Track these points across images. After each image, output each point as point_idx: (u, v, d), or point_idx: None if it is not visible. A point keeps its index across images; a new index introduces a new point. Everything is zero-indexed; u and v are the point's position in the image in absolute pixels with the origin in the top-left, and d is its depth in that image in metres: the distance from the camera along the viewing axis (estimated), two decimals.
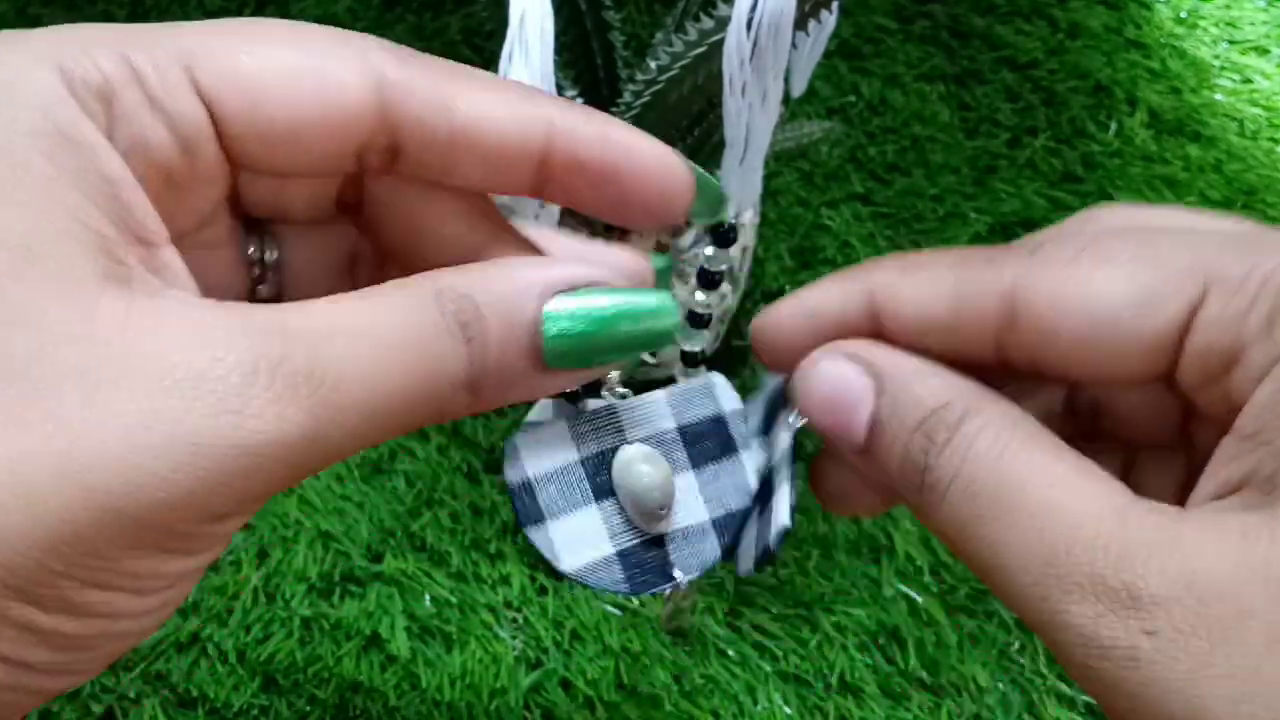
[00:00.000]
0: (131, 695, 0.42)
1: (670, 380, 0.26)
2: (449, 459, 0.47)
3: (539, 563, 0.45)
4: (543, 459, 0.24)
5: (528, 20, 0.32)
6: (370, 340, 0.18)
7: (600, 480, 0.24)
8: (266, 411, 0.17)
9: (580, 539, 0.24)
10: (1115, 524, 0.18)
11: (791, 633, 0.44)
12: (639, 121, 0.38)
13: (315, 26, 0.20)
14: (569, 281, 0.21)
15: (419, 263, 0.22)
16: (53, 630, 0.17)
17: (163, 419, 0.17)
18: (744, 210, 0.43)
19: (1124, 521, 0.18)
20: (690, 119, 0.41)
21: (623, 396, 0.25)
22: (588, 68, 0.42)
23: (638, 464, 0.24)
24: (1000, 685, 0.43)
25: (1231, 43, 0.64)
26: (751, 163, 0.34)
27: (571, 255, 0.23)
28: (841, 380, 0.22)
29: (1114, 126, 0.60)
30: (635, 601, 0.45)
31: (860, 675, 0.43)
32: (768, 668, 0.43)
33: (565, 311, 0.20)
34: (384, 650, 0.43)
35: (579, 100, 0.44)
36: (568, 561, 0.24)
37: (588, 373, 0.22)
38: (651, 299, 0.21)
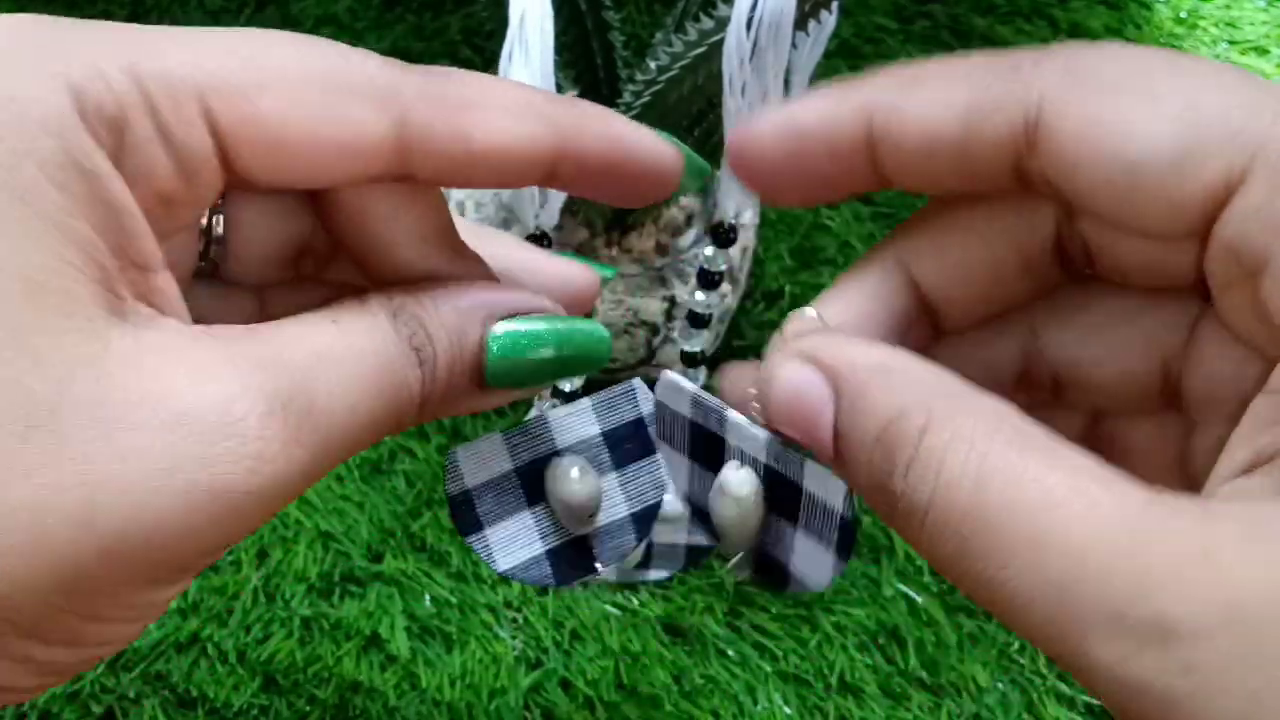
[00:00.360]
0: (131, 695, 0.42)
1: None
2: None
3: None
4: (479, 471, 0.26)
5: (528, 20, 0.32)
6: (349, 368, 0.19)
7: (533, 488, 0.26)
8: (279, 457, 0.18)
9: (513, 541, 0.26)
10: (1130, 543, 0.15)
11: (791, 633, 0.44)
12: (639, 121, 0.38)
13: (340, 53, 0.20)
14: (511, 309, 0.22)
15: (371, 265, 0.22)
16: (48, 661, 0.18)
17: (185, 464, 0.17)
18: (744, 210, 0.43)
19: (1140, 538, 0.15)
20: (690, 119, 0.41)
21: (553, 406, 0.26)
22: (588, 68, 0.42)
23: (569, 477, 0.26)
24: (1000, 685, 0.43)
25: (1231, 43, 0.64)
26: None
27: (525, 270, 0.24)
28: (799, 389, 0.20)
29: None
30: (635, 601, 0.45)
31: (860, 675, 0.43)
32: (768, 668, 0.43)
33: (507, 338, 0.22)
34: (384, 650, 0.43)
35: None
36: (502, 562, 0.26)
37: (524, 392, 0.23)
38: (587, 328, 0.23)
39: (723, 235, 0.38)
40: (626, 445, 0.26)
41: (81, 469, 0.16)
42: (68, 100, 0.17)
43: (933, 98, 0.19)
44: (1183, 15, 0.65)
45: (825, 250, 0.54)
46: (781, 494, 0.24)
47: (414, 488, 0.46)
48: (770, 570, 0.25)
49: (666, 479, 0.26)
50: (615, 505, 0.27)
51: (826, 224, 0.55)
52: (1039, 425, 0.17)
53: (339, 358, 0.19)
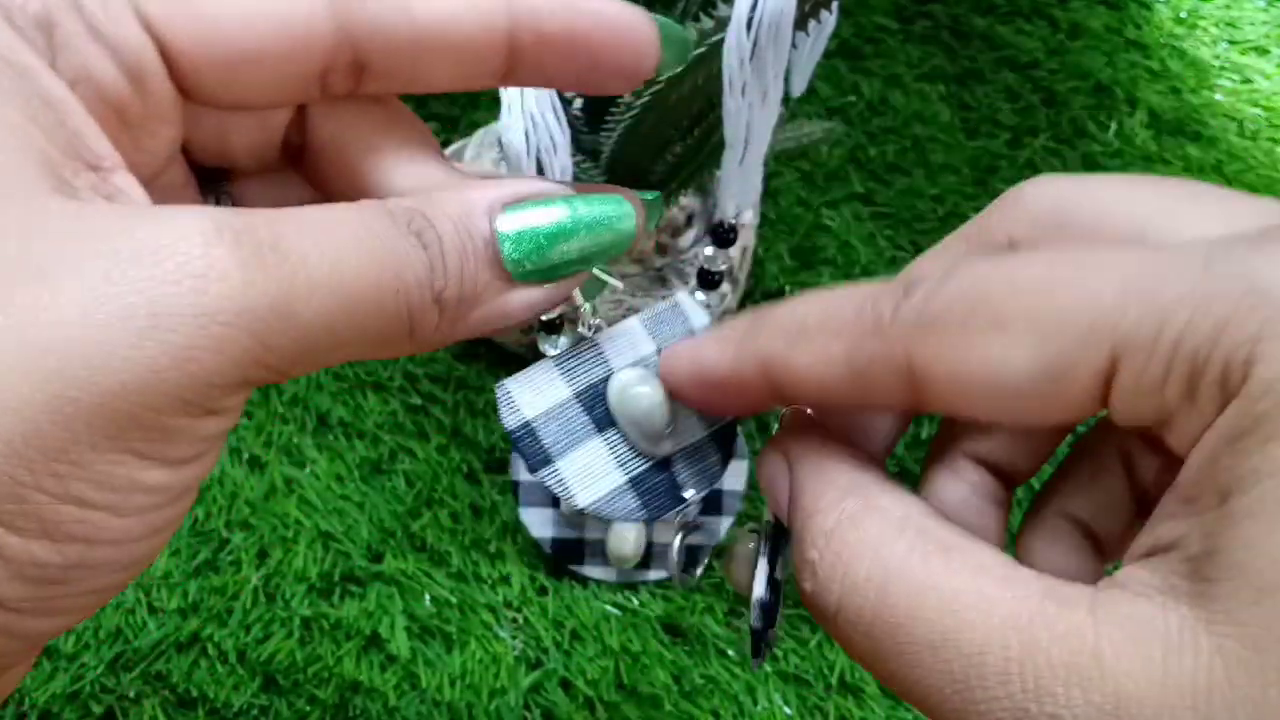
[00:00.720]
0: (131, 695, 0.42)
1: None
2: (449, 459, 0.47)
3: (539, 563, 0.45)
4: (536, 400, 0.24)
5: None
6: (330, 226, 0.18)
7: (598, 412, 0.24)
8: (233, 275, 0.16)
9: (590, 472, 0.24)
10: (1023, 646, 0.16)
11: (791, 633, 0.44)
12: (639, 121, 0.38)
13: None
14: (516, 195, 0.20)
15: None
16: (26, 558, 0.16)
17: (121, 290, 0.15)
18: (744, 210, 0.43)
19: (1032, 640, 0.16)
20: (690, 119, 0.41)
21: (597, 329, 0.24)
22: None
23: (634, 387, 0.24)
24: None
25: (1231, 43, 0.64)
26: (751, 163, 0.34)
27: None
28: (770, 477, 0.22)
29: (1114, 127, 0.60)
30: (635, 601, 0.45)
31: (860, 675, 0.43)
32: (768, 668, 0.43)
33: (519, 223, 0.20)
34: (384, 650, 0.43)
35: (579, 100, 0.44)
36: (582, 496, 0.24)
37: (556, 287, 0.21)
38: (608, 202, 0.21)
39: (723, 235, 0.38)
40: None
41: (10, 315, 0.15)
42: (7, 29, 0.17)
43: (816, 356, 0.20)
44: (1183, 15, 0.65)
45: (825, 250, 0.54)
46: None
47: (414, 488, 0.46)
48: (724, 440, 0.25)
49: None
50: (690, 426, 0.25)
51: (827, 224, 0.55)
52: (946, 524, 0.18)
53: (317, 220, 0.18)
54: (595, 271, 0.23)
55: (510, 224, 0.20)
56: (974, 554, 0.18)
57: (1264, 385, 0.15)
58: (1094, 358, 0.17)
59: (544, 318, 0.40)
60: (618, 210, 0.21)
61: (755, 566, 0.23)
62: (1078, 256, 0.17)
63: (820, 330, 0.20)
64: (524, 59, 0.21)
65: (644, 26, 0.21)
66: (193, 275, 0.16)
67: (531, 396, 0.24)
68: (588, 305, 0.24)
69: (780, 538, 0.23)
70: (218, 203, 0.23)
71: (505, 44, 0.20)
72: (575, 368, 0.24)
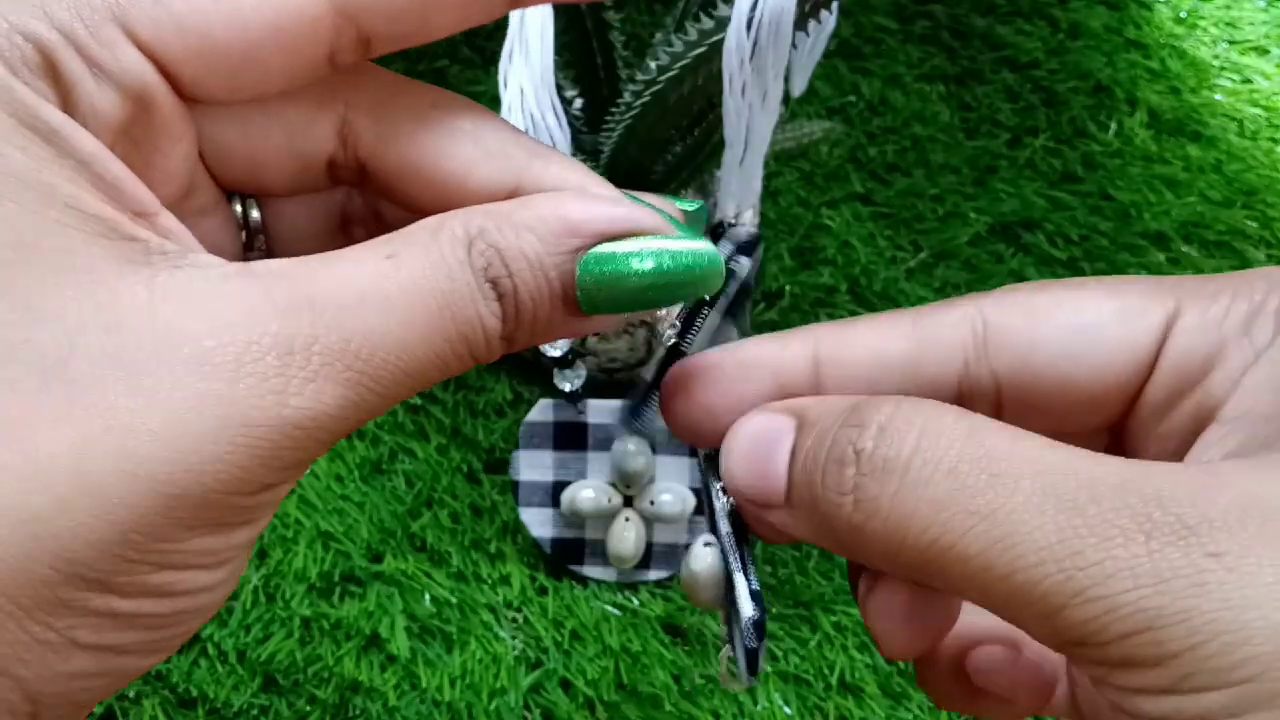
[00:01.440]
0: (131, 695, 0.42)
1: None
2: (449, 459, 0.47)
3: (539, 563, 0.45)
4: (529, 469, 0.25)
5: (528, 20, 0.32)
6: (402, 307, 0.18)
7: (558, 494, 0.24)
8: (306, 390, 0.17)
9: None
10: (1139, 471, 0.17)
11: (791, 633, 0.44)
12: (639, 121, 0.38)
13: None
14: (605, 228, 0.19)
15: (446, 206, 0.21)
16: (135, 613, 0.18)
17: (211, 403, 0.17)
18: (744, 210, 0.43)
19: (1148, 470, 0.17)
20: (690, 119, 0.41)
21: (678, 346, 0.24)
22: (588, 68, 0.42)
23: (635, 457, 0.24)
24: None
25: (1231, 43, 0.64)
26: (751, 163, 0.34)
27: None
28: (760, 427, 0.20)
29: (1114, 126, 0.60)
30: (635, 601, 0.45)
31: (860, 675, 0.43)
32: (768, 668, 0.43)
33: (599, 265, 0.19)
34: (384, 650, 0.43)
35: (579, 100, 0.44)
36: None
37: (625, 317, 0.21)
38: (696, 249, 0.20)
39: (723, 235, 0.38)
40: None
41: (105, 416, 0.16)
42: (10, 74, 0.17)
43: (879, 326, 0.21)
44: (1182, 15, 0.65)
45: (825, 250, 0.54)
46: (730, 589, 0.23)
47: (414, 488, 0.46)
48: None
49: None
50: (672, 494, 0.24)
51: (827, 224, 0.55)
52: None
53: (388, 296, 0.18)
54: None
55: (592, 262, 0.19)
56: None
57: None
58: (1165, 301, 0.19)
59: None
60: (705, 260, 0.20)
61: (730, 583, 0.21)
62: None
63: (880, 316, 0.21)
64: None
65: None
66: (274, 392, 0.17)
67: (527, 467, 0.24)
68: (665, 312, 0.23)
69: (745, 543, 0.22)
70: (246, 220, 0.22)
71: None
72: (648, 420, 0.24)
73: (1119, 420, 0.21)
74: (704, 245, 0.20)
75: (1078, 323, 0.20)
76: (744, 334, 0.22)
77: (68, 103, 0.18)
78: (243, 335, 0.17)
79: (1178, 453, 0.20)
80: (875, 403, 0.19)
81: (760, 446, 0.20)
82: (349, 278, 0.18)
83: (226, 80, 0.19)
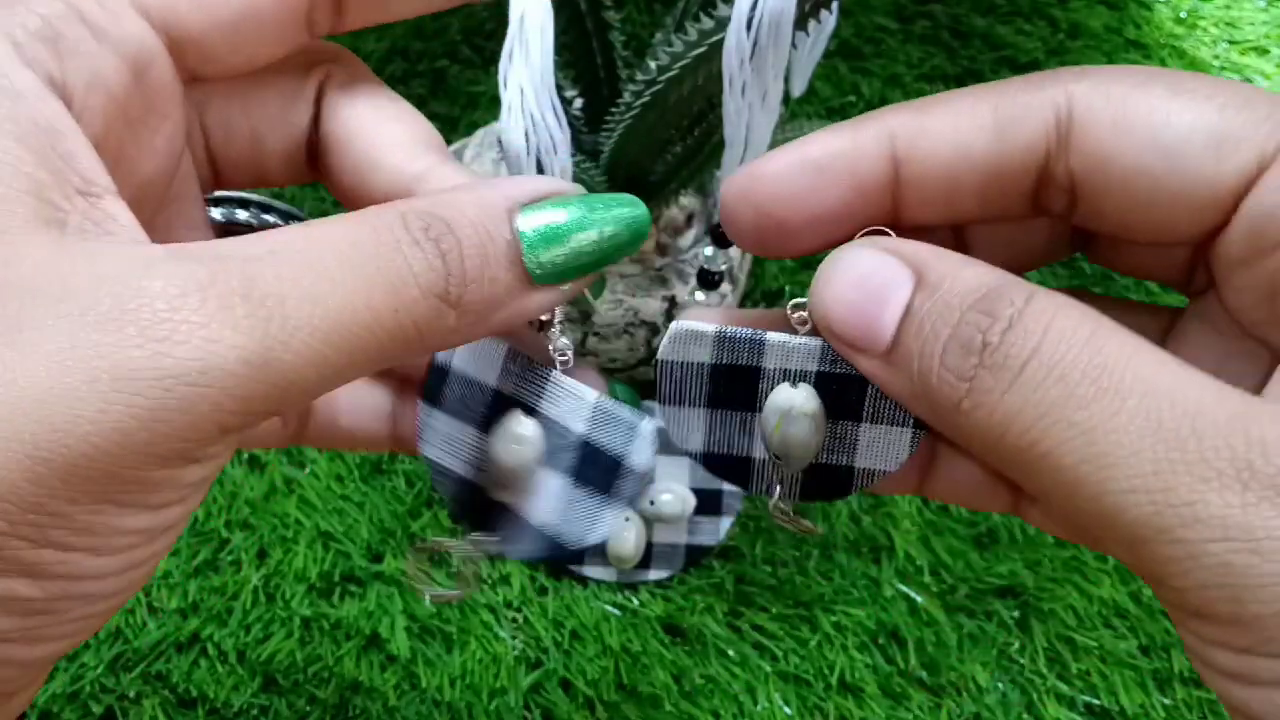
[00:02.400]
0: (131, 695, 0.42)
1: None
2: None
3: (539, 563, 0.45)
4: (469, 361, 0.24)
5: (528, 20, 0.32)
6: (318, 254, 0.17)
7: (494, 416, 0.24)
8: (195, 335, 0.16)
9: (449, 441, 0.25)
10: (1250, 409, 0.16)
11: (791, 633, 0.44)
12: (639, 121, 0.38)
13: None
14: (535, 193, 0.20)
15: (376, 187, 0.22)
16: (7, 595, 0.16)
17: (83, 355, 0.15)
18: None
19: (1259, 409, 0.16)
20: (690, 119, 0.41)
21: (563, 360, 0.24)
22: (588, 68, 0.42)
23: (512, 440, 0.23)
24: (1000, 685, 0.43)
25: (1231, 43, 0.64)
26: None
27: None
28: (872, 269, 0.19)
29: None
30: (635, 601, 0.45)
31: (860, 675, 0.43)
32: (768, 668, 0.43)
33: (538, 222, 0.20)
34: (384, 650, 0.43)
35: (579, 100, 0.44)
36: (428, 448, 0.25)
37: (572, 286, 0.21)
38: (623, 202, 0.21)
39: (722, 235, 0.38)
40: (592, 469, 0.24)
41: None
42: (6, 44, 0.18)
43: (958, 112, 0.19)
44: (1182, 15, 0.65)
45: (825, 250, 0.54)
46: (842, 396, 0.23)
47: (414, 488, 0.46)
48: (827, 481, 0.23)
49: (596, 538, 0.24)
50: (544, 506, 0.24)
51: None
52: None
53: (303, 248, 0.17)
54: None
55: (529, 223, 0.20)
56: (1166, 352, 0.17)
57: None
58: (1265, 141, 0.17)
59: (544, 318, 0.40)
60: (632, 211, 0.21)
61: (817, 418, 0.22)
62: (1254, 89, 0.18)
63: (961, 95, 0.19)
64: None
65: None
66: (155, 340, 0.16)
67: (469, 356, 0.24)
68: (558, 327, 0.24)
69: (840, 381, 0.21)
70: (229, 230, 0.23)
71: None
72: (516, 375, 0.24)
73: (1196, 253, 0.20)
74: (628, 198, 0.21)
75: (1163, 142, 0.18)
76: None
77: (66, 65, 0.18)
78: (132, 285, 0.16)
79: (1257, 307, 0.19)
80: (1007, 293, 0.18)
81: (870, 291, 0.19)
82: (262, 236, 0.18)
83: (228, 36, 0.20)
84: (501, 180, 0.21)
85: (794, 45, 0.31)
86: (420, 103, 0.58)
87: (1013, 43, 0.62)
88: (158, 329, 0.16)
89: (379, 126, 0.22)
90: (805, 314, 0.23)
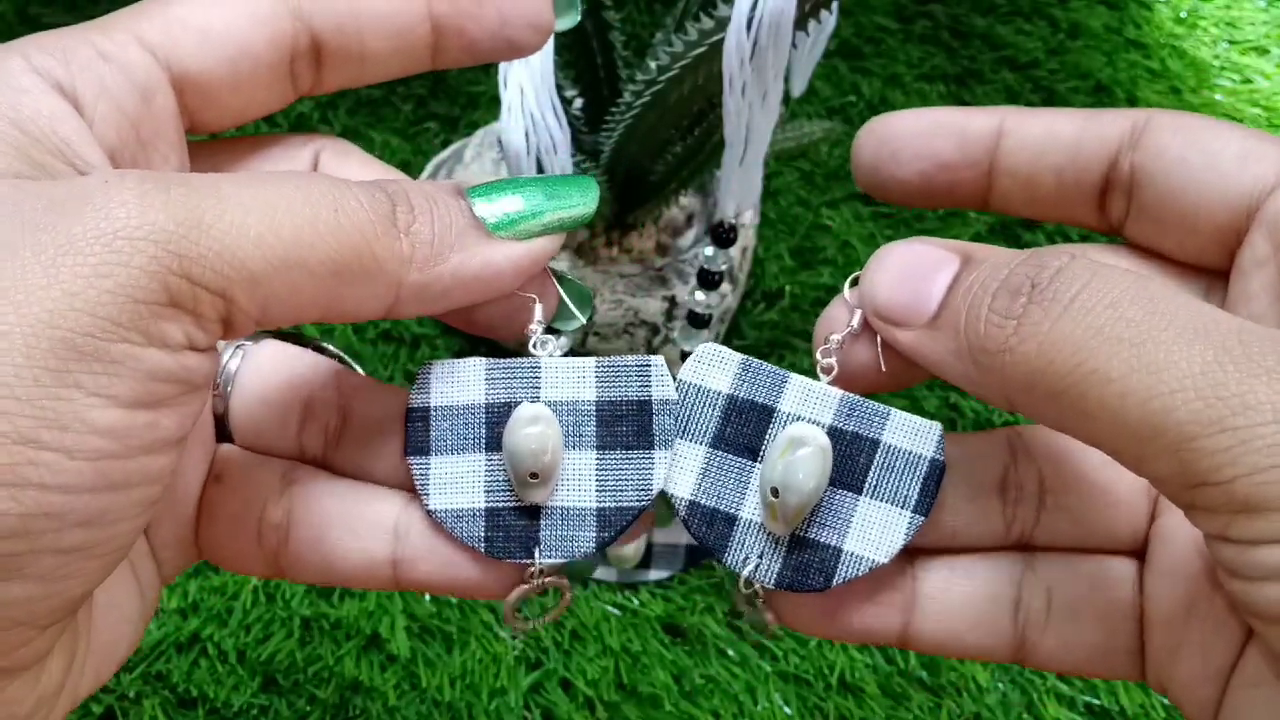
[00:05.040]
0: (131, 695, 0.42)
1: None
2: None
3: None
4: (448, 392, 0.23)
5: None
6: (260, 176, 0.19)
7: (498, 431, 0.23)
8: (130, 201, 0.17)
9: (455, 482, 0.23)
10: None
11: (791, 633, 0.44)
12: (639, 121, 0.38)
13: None
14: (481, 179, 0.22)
15: None
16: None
17: (31, 235, 0.17)
18: (744, 210, 0.43)
19: None
20: (690, 119, 0.41)
21: (551, 354, 0.24)
22: (588, 68, 0.42)
23: (525, 424, 0.23)
24: (1000, 685, 0.43)
25: (1231, 43, 0.64)
26: (751, 163, 0.34)
27: None
28: (922, 252, 0.21)
29: None
30: (635, 601, 0.45)
31: (860, 675, 0.43)
32: (768, 668, 0.43)
33: (494, 210, 0.22)
34: (384, 650, 0.43)
35: (579, 100, 0.44)
36: (435, 500, 0.23)
37: (536, 246, 0.22)
38: (570, 187, 0.23)
39: (723, 235, 0.38)
40: (619, 427, 0.23)
41: None
42: (18, 60, 0.20)
43: (1059, 112, 0.23)
44: (1183, 15, 0.65)
45: (825, 250, 0.54)
46: (850, 458, 0.23)
47: None
48: (809, 560, 0.23)
49: (656, 484, 0.23)
50: (581, 490, 0.23)
51: (826, 224, 0.55)
52: None
53: (250, 177, 0.19)
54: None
55: (482, 210, 0.22)
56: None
57: None
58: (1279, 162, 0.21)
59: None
60: (580, 187, 0.23)
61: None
62: None
63: (1065, 108, 0.24)
64: (446, 27, 0.23)
65: None
66: (95, 209, 0.17)
67: (446, 387, 0.23)
68: (537, 325, 0.23)
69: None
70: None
71: (426, 11, 0.22)
72: (504, 379, 0.23)
73: (1224, 269, 0.22)
74: (580, 183, 0.23)
75: (1207, 147, 0.21)
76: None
77: (78, 78, 0.20)
78: (79, 183, 0.18)
79: (1266, 316, 0.21)
80: (1054, 250, 0.20)
81: (919, 268, 0.21)
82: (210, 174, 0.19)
83: (226, 74, 0.22)
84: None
85: (794, 45, 0.31)
86: (420, 103, 0.58)
87: (1013, 43, 0.63)
88: (95, 201, 0.17)
89: (376, 175, 0.24)
90: (832, 361, 0.23)
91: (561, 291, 0.24)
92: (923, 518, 0.23)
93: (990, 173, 0.24)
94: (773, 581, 0.23)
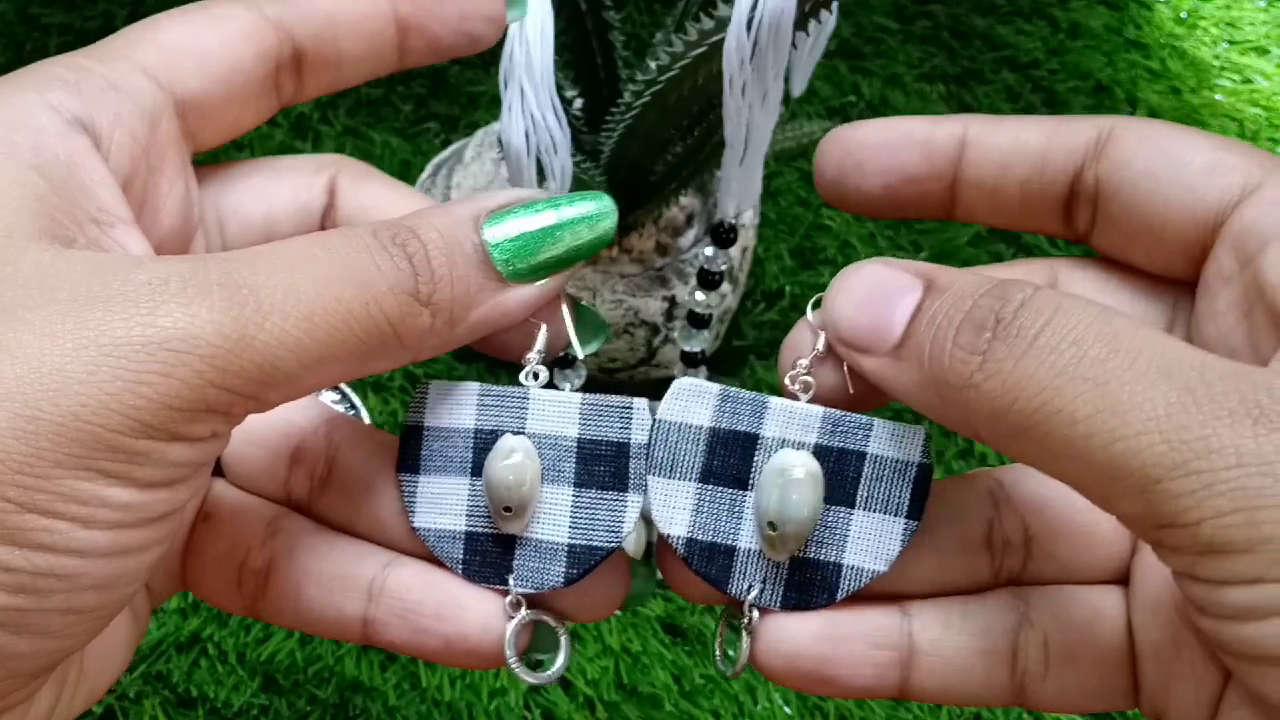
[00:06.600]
0: (131, 695, 0.42)
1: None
2: None
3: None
4: (443, 413, 0.24)
5: (528, 20, 0.32)
6: (291, 256, 0.19)
7: (483, 457, 0.24)
8: (175, 310, 0.17)
9: (439, 502, 0.24)
10: (1250, 367, 0.17)
11: None
12: (639, 121, 0.38)
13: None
14: (501, 203, 0.22)
15: None
16: (22, 567, 0.17)
17: (72, 328, 0.17)
18: (745, 210, 0.43)
19: (1257, 368, 0.17)
20: (690, 119, 0.41)
21: (542, 384, 0.24)
22: (588, 68, 0.42)
23: (504, 456, 0.23)
24: None
25: (1231, 43, 0.64)
26: (751, 163, 0.34)
27: None
28: (883, 277, 0.21)
29: None
30: None
31: None
32: None
33: (507, 230, 0.22)
34: (384, 650, 0.43)
35: (579, 100, 0.44)
36: (419, 518, 0.24)
37: (548, 284, 0.22)
38: (589, 203, 0.22)
39: (723, 235, 0.38)
40: (597, 466, 0.24)
41: None
42: (32, 94, 0.20)
43: (1024, 121, 0.23)
44: (1183, 15, 0.65)
45: (825, 250, 0.54)
46: (839, 473, 0.23)
47: None
48: (812, 579, 0.23)
49: (629, 528, 0.23)
50: (556, 525, 0.24)
51: (827, 224, 0.55)
52: None
53: (280, 251, 0.19)
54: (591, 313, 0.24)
55: (498, 233, 0.21)
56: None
57: None
58: (1249, 173, 0.20)
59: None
60: (599, 207, 0.22)
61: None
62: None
63: (1024, 117, 0.23)
64: (410, 27, 0.24)
65: None
66: (140, 314, 0.17)
67: (440, 409, 0.24)
68: (534, 354, 0.24)
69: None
70: None
71: (392, 13, 0.24)
72: (494, 406, 0.24)
73: (1193, 280, 0.22)
74: (597, 199, 0.22)
75: (1173, 155, 0.21)
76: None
77: (94, 110, 0.21)
78: (120, 274, 0.18)
79: (1235, 329, 0.20)
80: (1018, 282, 0.19)
81: (881, 292, 0.21)
82: (242, 251, 0.20)
83: (225, 90, 0.23)
84: (470, 196, 0.22)
85: (794, 45, 0.31)
86: (420, 103, 0.58)
87: (1013, 43, 0.63)
88: (141, 305, 0.17)
89: (394, 202, 0.25)
90: (809, 379, 0.23)
91: (569, 324, 0.24)
92: (916, 522, 0.23)
93: (955, 184, 0.23)
94: (779, 604, 0.23)
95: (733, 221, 0.38)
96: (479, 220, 0.21)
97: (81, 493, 0.17)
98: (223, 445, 0.19)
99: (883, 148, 0.23)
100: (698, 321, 0.41)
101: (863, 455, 0.23)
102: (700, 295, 0.40)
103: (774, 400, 0.23)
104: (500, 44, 0.33)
